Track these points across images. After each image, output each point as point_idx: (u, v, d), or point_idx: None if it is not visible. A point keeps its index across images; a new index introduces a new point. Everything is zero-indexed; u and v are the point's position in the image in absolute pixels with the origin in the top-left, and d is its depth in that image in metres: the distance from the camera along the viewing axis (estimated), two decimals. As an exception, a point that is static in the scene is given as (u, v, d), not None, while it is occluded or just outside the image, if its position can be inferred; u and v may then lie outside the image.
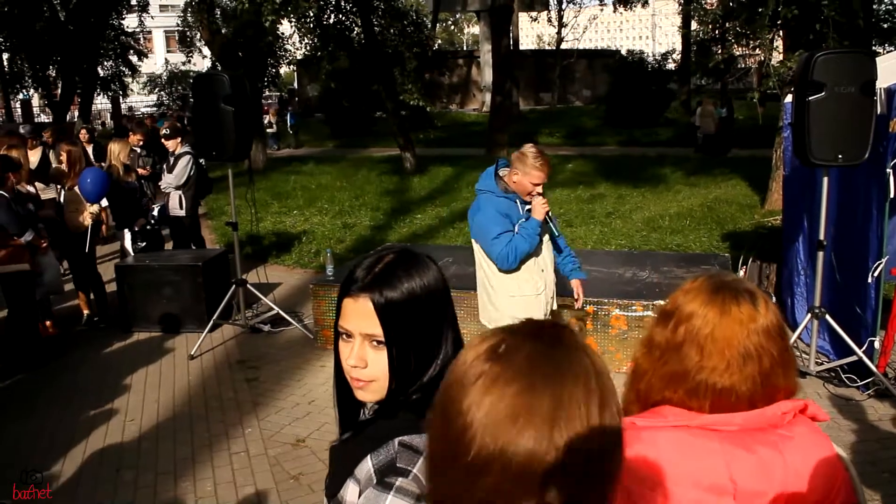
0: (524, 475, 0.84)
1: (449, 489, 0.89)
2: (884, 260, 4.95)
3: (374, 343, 1.30)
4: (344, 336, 1.32)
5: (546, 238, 4.39)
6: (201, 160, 8.06)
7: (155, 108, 34.47)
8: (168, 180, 7.69)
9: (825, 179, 5.09)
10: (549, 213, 4.29)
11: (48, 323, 6.85)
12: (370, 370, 1.31)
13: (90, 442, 4.82)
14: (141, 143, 8.65)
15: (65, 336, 6.90)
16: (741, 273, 7.06)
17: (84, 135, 12.27)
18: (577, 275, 4.58)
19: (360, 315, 1.29)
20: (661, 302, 5.42)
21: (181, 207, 7.74)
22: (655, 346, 1.43)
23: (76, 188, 6.87)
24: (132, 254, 7.74)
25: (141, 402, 5.44)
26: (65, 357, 6.42)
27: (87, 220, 6.91)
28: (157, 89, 36.34)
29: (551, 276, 4.48)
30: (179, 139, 7.89)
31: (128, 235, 7.87)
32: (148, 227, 7.83)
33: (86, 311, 7.23)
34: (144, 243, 7.79)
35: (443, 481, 0.91)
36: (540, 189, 4.19)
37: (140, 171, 8.10)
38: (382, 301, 1.28)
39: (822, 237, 5.18)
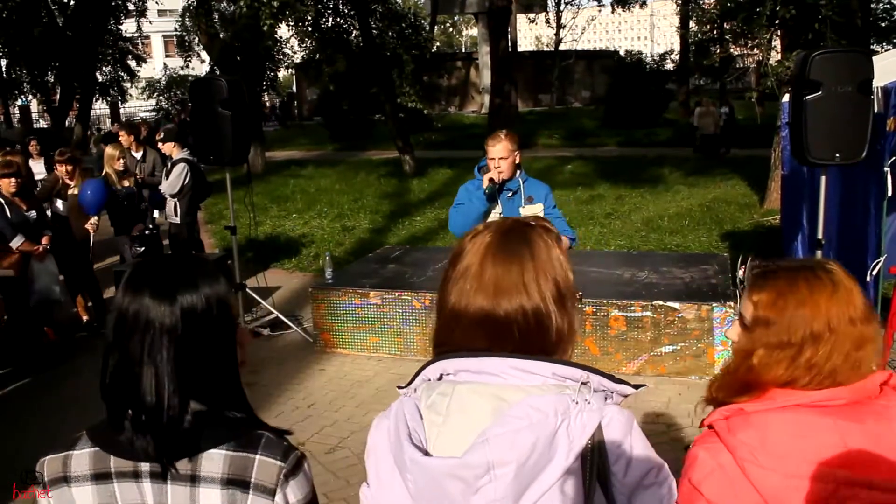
0: (481, 326, 1.20)
1: (441, 334, 1.28)
2: (882, 258, 4.96)
3: None
4: None
5: None
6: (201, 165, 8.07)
7: (154, 113, 34.46)
8: (163, 187, 7.72)
9: (823, 178, 5.09)
10: (526, 197, 4.57)
11: (47, 329, 6.85)
12: None
13: (90, 447, 4.82)
14: (133, 144, 8.66)
15: (65, 342, 6.89)
16: (740, 273, 7.06)
17: (34, 146, 11.33)
18: None
19: None
20: (660, 302, 5.44)
21: (176, 214, 7.76)
22: (793, 345, 1.43)
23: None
24: (131, 259, 7.74)
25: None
26: (65, 363, 6.41)
27: (91, 228, 6.97)
28: (155, 94, 36.32)
29: None
30: (173, 143, 7.91)
31: (126, 241, 7.86)
32: (147, 231, 7.83)
33: (84, 317, 7.22)
34: (143, 248, 7.78)
35: (439, 326, 1.28)
36: (497, 163, 4.44)
37: (129, 180, 8.10)
38: None
39: (820, 236, 5.18)
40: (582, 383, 1.16)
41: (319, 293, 6.40)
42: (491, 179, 4.44)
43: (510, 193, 4.60)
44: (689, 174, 15.39)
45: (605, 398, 1.18)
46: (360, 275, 6.81)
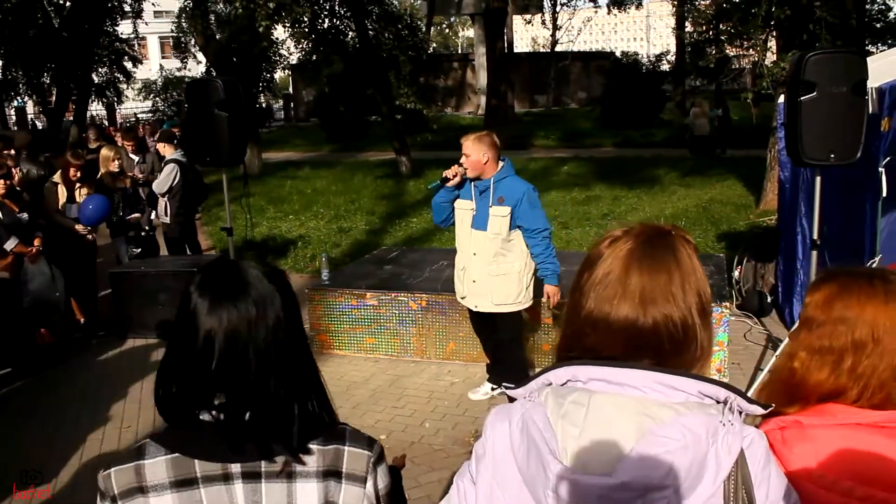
0: (623, 333, 1.15)
1: (570, 340, 1.22)
2: (877, 258, 4.96)
3: None
4: None
5: (493, 231, 4.71)
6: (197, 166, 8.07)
7: (150, 115, 34.40)
8: (154, 187, 7.74)
9: (818, 179, 5.10)
10: (494, 197, 4.70)
11: (43, 331, 6.83)
12: None
13: (86, 449, 4.81)
14: (132, 147, 8.69)
15: (61, 343, 6.88)
16: (736, 273, 7.08)
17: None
18: (548, 281, 4.84)
19: None
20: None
21: (166, 214, 7.77)
22: (833, 351, 1.40)
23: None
24: (127, 260, 7.74)
25: (137, 409, 5.43)
26: (61, 364, 6.41)
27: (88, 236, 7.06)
28: (152, 95, 36.28)
29: (480, 266, 4.78)
30: (166, 143, 7.93)
31: (122, 242, 7.86)
32: (143, 233, 7.84)
33: (81, 319, 7.21)
34: (139, 249, 7.78)
35: (568, 331, 1.24)
36: (463, 158, 4.72)
37: (133, 174, 8.11)
38: None
39: (815, 236, 5.19)
40: (727, 404, 1.12)
41: (316, 294, 6.39)
42: (444, 176, 4.75)
43: (481, 191, 4.78)
44: (686, 175, 15.42)
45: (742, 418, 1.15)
46: (356, 276, 6.82)
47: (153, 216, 8.55)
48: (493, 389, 5.27)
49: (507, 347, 5.02)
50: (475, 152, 4.68)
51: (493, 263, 4.74)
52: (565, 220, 11.35)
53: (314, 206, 13.60)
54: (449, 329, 5.98)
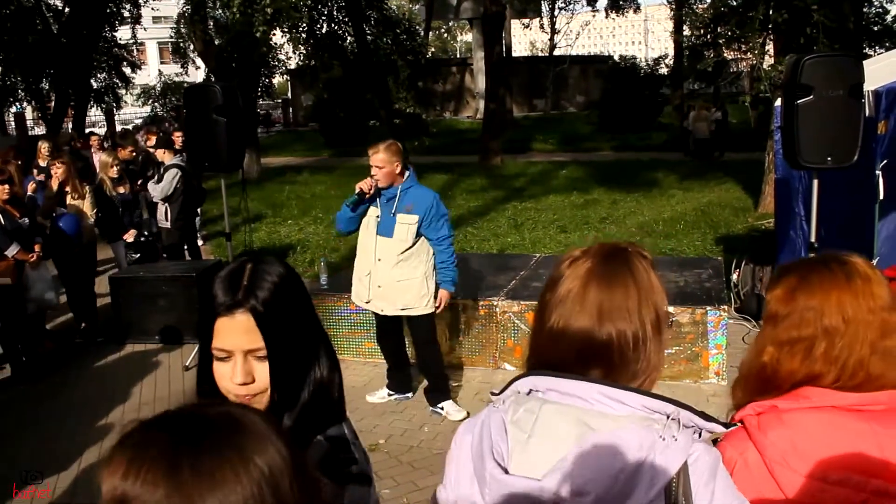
0: (578, 346, 1.20)
1: (538, 350, 1.27)
2: (875, 261, 4.98)
3: (258, 357, 1.30)
4: (220, 358, 1.32)
5: (399, 238, 4.84)
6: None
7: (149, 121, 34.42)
8: (154, 192, 7.73)
9: (815, 182, 5.11)
10: (401, 205, 4.83)
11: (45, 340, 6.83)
12: (258, 383, 1.31)
13: (86, 455, 4.81)
14: (133, 155, 8.70)
15: (61, 350, 6.88)
16: (734, 276, 7.09)
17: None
18: (444, 286, 5.01)
19: (240, 331, 1.28)
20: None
21: (166, 219, 7.78)
22: (803, 340, 1.39)
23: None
24: (126, 265, 7.74)
25: (136, 414, 5.40)
26: (61, 371, 6.40)
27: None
28: (150, 101, 36.29)
29: (385, 271, 4.89)
30: (164, 150, 7.94)
31: (121, 247, 7.86)
32: (142, 238, 7.84)
33: (82, 324, 7.22)
34: (138, 255, 7.78)
35: (536, 343, 1.28)
36: (374, 170, 4.81)
37: (124, 187, 8.11)
38: (262, 309, 1.28)
39: (813, 239, 5.20)
40: (671, 419, 1.14)
41: (315, 299, 6.37)
42: (361, 190, 4.80)
43: (387, 199, 4.87)
44: (684, 178, 15.43)
45: (695, 435, 1.16)
46: (355, 280, 6.81)
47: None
48: (389, 395, 5.46)
49: (424, 350, 5.18)
50: (388, 163, 4.79)
51: (397, 269, 4.87)
52: (563, 223, 11.35)
53: (313, 211, 13.61)
54: (447, 333, 5.98)
